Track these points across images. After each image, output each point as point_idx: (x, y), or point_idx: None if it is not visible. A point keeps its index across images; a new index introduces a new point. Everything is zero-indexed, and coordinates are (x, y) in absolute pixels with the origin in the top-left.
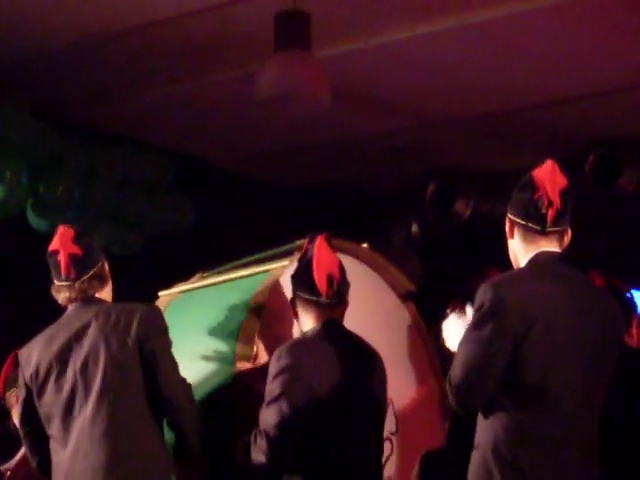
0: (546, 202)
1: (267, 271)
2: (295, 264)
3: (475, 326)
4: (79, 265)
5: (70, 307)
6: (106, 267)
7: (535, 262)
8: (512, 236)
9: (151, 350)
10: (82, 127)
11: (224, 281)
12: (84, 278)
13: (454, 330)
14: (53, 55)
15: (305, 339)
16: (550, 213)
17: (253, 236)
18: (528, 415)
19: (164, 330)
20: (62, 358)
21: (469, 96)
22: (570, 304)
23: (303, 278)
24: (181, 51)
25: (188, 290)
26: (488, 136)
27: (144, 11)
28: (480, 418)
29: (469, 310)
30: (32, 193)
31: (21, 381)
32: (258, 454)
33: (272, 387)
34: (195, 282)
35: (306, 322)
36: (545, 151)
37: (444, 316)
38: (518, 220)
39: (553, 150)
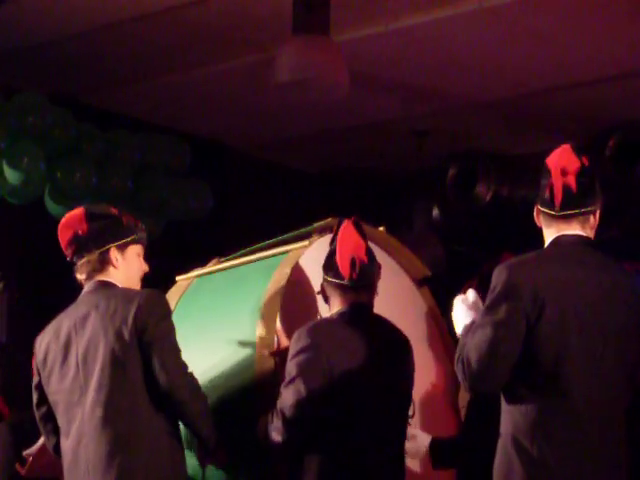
0: (557, 186)
1: (286, 252)
2: (314, 245)
3: (489, 309)
4: (78, 245)
5: (84, 289)
6: (114, 252)
7: (554, 245)
8: (539, 224)
9: (148, 342)
10: (99, 113)
11: (242, 264)
12: (83, 259)
13: (455, 314)
14: (70, 41)
15: (327, 321)
16: (559, 197)
17: (273, 221)
18: (544, 402)
19: (164, 317)
20: (66, 347)
21: (489, 79)
22: (588, 288)
23: (329, 261)
24: (199, 36)
25: (205, 274)
26: (509, 119)
27: None
28: (502, 406)
29: (471, 294)
30: (49, 179)
31: (34, 366)
32: (274, 434)
33: (290, 368)
34: (212, 266)
35: (334, 306)
36: (566, 134)
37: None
38: (539, 207)
39: (574, 133)
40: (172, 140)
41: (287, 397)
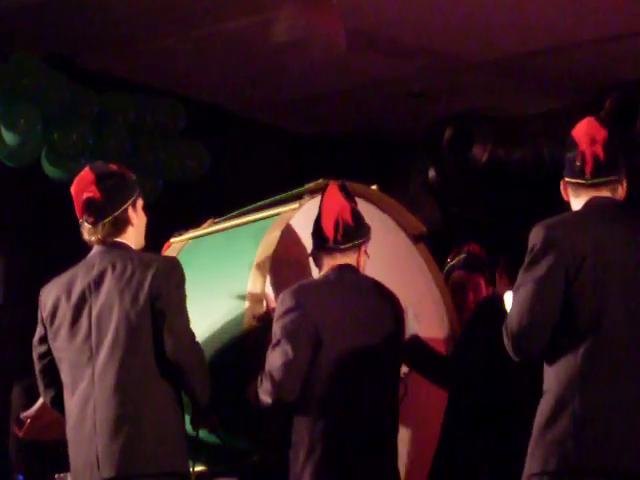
0: (588, 154)
1: (277, 214)
2: (305, 207)
3: (528, 266)
4: (97, 210)
5: (94, 249)
6: (130, 211)
7: (588, 206)
8: (567, 198)
9: (160, 308)
10: (94, 74)
11: (235, 225)
12: (103, 222)
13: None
14: (65, 2)
15: (311, 282)
16: (590, 165)
17: (268, 183)
18: (585, 356)
19: (179, 285)
20: (78, 306)
21: (486, 39)
22: (625, 244)
23: (315, 226)
24: None
25: (199, 236)
26: (506, 80)
27: None
28: (545, 364)
29: None
30: (46, 141)
31: (39, 318)
32: (264, 396)
33: (275, 329)
34: (206, 227)
35: (323, 269)
36: (563, 95)
37: (445, 264)
38: (567, 179)
39: (570, 94)
40: (167, 102)
41: (274, 359)
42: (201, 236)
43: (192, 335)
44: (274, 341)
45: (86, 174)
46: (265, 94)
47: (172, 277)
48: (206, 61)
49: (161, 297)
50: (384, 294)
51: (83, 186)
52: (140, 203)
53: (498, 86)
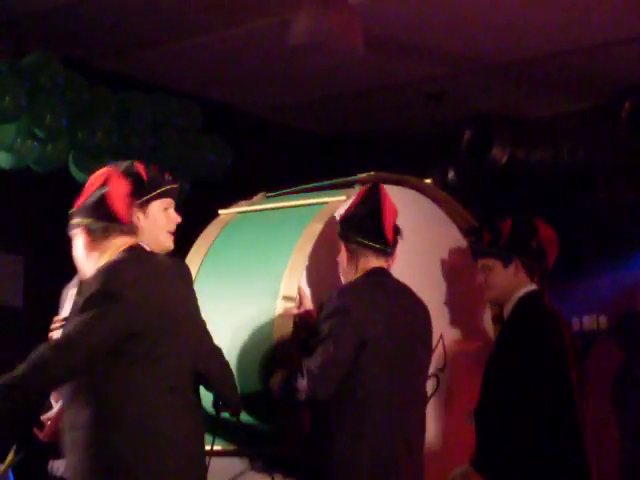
0: None
1: (325, 203)
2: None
3: None
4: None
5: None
6: (135, 212)
7: None
8: None
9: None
10: (111, 76)
11: (283, 207)
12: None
13: None
14: (84, 5)
15: (354, 285)
16: None
17: (288, 184)
18: None
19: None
20: None
21: (505, 41)
22: None
23: (369, 225)
24: None
25: (247, 212)
26: (525, 82)
27: None
28: None
29: None
30: (71, 140)
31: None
32: (299, 392)
33: (322, 328)
34: (256, 202)
35: (357, 269)
36: (582, 97)
37: None
38: None
39: (590, 96)
40: (183, 103)
41: (315, 357)
42: (248, 212)
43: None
44: (316, 339)
45: (99, 173)
46: (283, 96)
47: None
48: (225, 63)
49: None
50: (418, 300)
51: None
52: (158, 204)
53: (517, 88)
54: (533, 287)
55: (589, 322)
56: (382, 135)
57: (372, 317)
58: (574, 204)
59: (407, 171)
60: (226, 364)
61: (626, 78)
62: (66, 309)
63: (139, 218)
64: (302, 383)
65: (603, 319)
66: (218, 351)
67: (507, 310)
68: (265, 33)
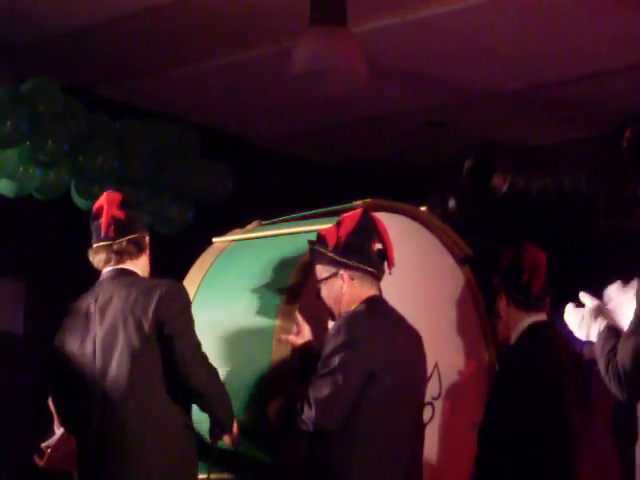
0: None
1: (317, 230)
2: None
3: None
4: (120, 227)
5: (103, 274)
6: (147, 239)
7: None
8: None
9: (168, 336)
10: (111, 103)
11: (277, 235)
12: (122, 240)
13: (573, 320)
14: (83, 33)
15: (360, 315)
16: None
17: (289, 213)
18: None
19: (184, 310)
20: (84, 332)
21: (506, 70)
22: None
23: (370, 251)
24: (214, 27)
25: (241, 239)
26: (525, 110)
27: None
28: None
29: (587, 300)
30: (73, 166)
31: (50, 352)
32: (305, 423)
33: (330, 361)
34: (251, 230)
35: (356, 297)
36: (583, 125)
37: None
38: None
39: (591, 124)
40: (182, 128)
41: (323, 387)
42: (243, 240)
43: (204, 358)
44: (325, 370)
45: (113, 194)
46: (284, 124)
47: (176, 303)
48: (225, 91)
49: (166, 324)
50: (413, 329)
51: (109, 204)
52: (148, 238)
53: (518, 116)
54: (537, 318)
55: (588, 350)
56: (383, 163)
57: (380, 350)
58: (575, 233)
59: (408, 199)
60: (222, 385)
61: (627, 107)
62: None
63: (147, 245)
64: (309, 413)
65: None
66: (214, 371)
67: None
68: (266, 61)
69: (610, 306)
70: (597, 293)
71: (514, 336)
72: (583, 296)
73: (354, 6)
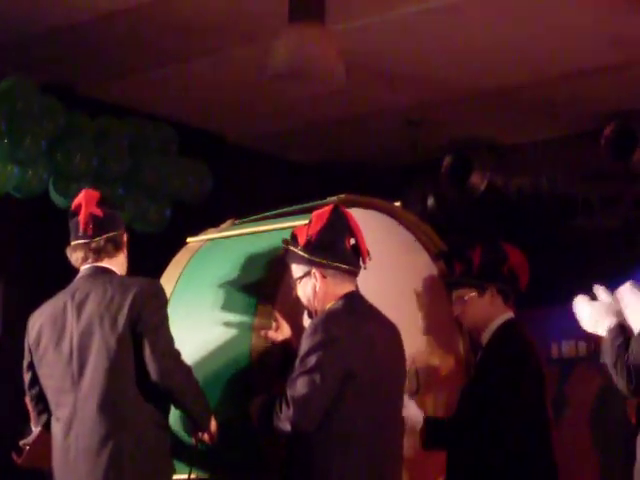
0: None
1: (293, 227)
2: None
3: None
4: (98, 225)
5: (80, 271)
6: (124, 237)
7: None
8: None
9: (141, 332)
10: (90, 102)
11: (252, 232)
12: (100, 238)
13: (585, 313)
14: (63, 32)
15: (337, 313)
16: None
17: (267, 211)
18: None
19: (159, 308)
20: (60, 331)
21: (484, 69)
22: None
23: (343, 248)
24: (193, 27)
25: (216, 239)
26: (504, 109)
27: None
28: None
29: (602, 294)
30: (51, 164)
31: (26, 345)
32: (283, 422)
33: (307, 359)
34: (225, 229)
35: (331, 294)
36: (561, 124)
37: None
38: None
39: (569, 122)
40: (160, 128)
41: (301, 387)
42: (218, 239)
43: (176, 355)
44: (303, 369)
45: (91, 192)
46: (264, 123)
47: (151, 299)
48: (204, 90)
49: (140, 320)
50: (392, 325)
51: (87, 201)
52: (126, 237)
53: (496, 115)
54: (510, 315)
55: (568, 348)
56: (362, 162)
57: (358, 348)
58: (553, 231)
59: (387, 198)
60: (196, 382)
61: (605, 105)
62: None
63: (125, 243)
64: (287, 413)
65: (582, 345)
66: (187, 368)
67: (485, 338)
68: (244, 60)
69: (620, 305)
70: (576, 290)
71: (488, 333)
72: (597, 289)
73: (332, 4)
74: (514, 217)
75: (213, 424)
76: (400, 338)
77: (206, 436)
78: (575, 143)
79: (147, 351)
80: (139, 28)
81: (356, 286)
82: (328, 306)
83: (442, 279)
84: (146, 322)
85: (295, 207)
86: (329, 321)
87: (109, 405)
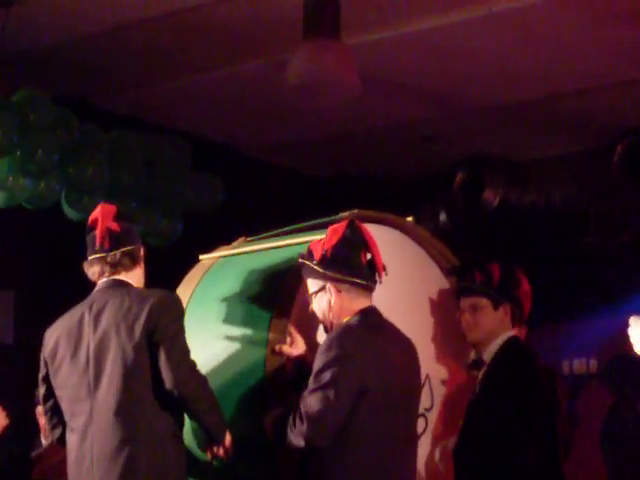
0: None
1: (306, 242)
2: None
3: None
4: (114, 239)
5: (97, 285)
6: (141, 252)
7: None
8: None
9: (157, 342)
10: (103, 114)
11: (265, 249)
12: (116, 252)
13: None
14: (77, 44)
15: (352, 328)
16: None
17: (282, 225)
18: None
19: (176, 318)
20: (77, 342)
21: (498, 84)
22: None
23: (358, 263)
24: (208, 39)
25: (229, 255)
26: (517, 124)
27: None
28: None
29: None
30: (63, 177)
31: (41, 359)
32: (297, 437)
33: (322, 375)
34: (237, 247)
35: (346, 309)
36: (574, 140)
37: None
38: None
39: (582, 139)
40: (174, 140)
41: (315, 403)
42: (230, 256)
43: (191, 365)
44: (317, 385)
45: (108, 206)
46: (279, 136)
47: (169, 311)
48: (219, 103)
49: (157, 330)
50: (408, 340)
51: (104, 216)
52: (143, 251)
53: (510, 130)
54: (513, 333)
55: (579, 365)
56: (374, 176)
57: (373, 364)
58: (566, 247)
59: (399, 212)
60: (211, 394)
61: (618, 122)
62: None
63: (142, 257)
64: (301, 428)
65: (593, 362)
66: (203, 379)
67: (489, 353)
68: (261, 73)
69: None
70: (588, 307)
71: (493, 348)
72: None
73: (348, 19)
74: (527, 233)
75: (228, 438)
76: (416, 354)
77: (221, 450)
78: (588, 159)
79: (162, 359)
80: (154, 40)
81: (371, 301)
82: (344, 321)
83: (458, 285)
84: (162, 331)
85: (306, 223)
86: (344, 337)
87: (125, 412)
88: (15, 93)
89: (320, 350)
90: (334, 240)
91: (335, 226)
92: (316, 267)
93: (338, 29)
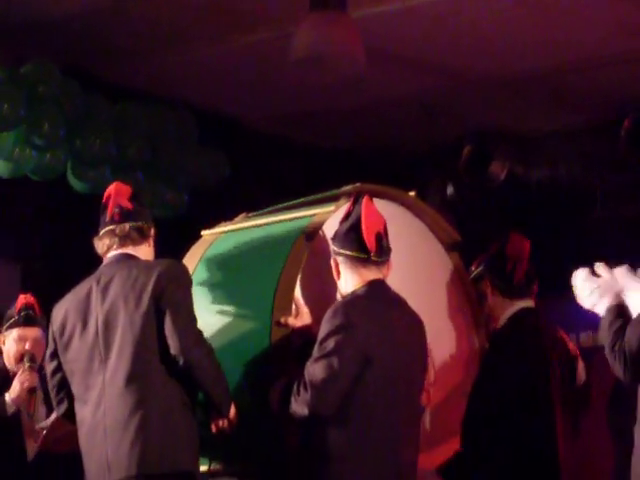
0: None
1: (312, 215)
2: (341, 211)
3: None
4: (125, 214)
5: (105, 259)
6: (152, 231)
7: None
8: None
9: (164, 309)
10: (110, 85)
11: (267, 223)
12: (126, 224)
13: (584, 291)
14: (83, 15)
15: (357, 298)
16: None
17: (287, 197)
18: None
19: (182, 286)
20: (86, 314)
21: (505, 57)
22: None
23: (350, 236)
24: (214, 11)
25: (231, 231)
26: (524, 98)
27: None
28: None
29: (603, 270)
30: (70, 149)
31: (50, 334)
32: (301, 406)
33: (326, 343)
34: (239, 222)
35: (350, 281)
36: (581, 113)
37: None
38: None
39: (588, 112)
40: (180, 113)
41: (319, 371)
42: (233, 231)
43: (198, 333)
44: (321, 353)
45: (123, 186)
46: (283, 108)
47: (176, 278)
48: (224, 74)
49: (164, 297)
50: (414, 313)
51: (119, 193)
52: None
53: (516, 103)
54: (524, 304)
55: (586, 339)
56: (381, 149)
57: (376, 334)
58: (572, 221)
59: (406, 186)
60: (218, 364)
61: (625, 96)
62: None
63: (152, 235)
64: (305, 397)
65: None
66: (210, 348)
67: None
68: (266, 46)
69: (620, 285)
70: None
71: (501, 322)
72: (599, 267)
73: None
74: (533, 207)
75: (233, 411)
76: (423, 327)
77: (226, 423)
78: (595, 133)
79: (168, 325)
80: (159, 11)
81: (381, 273)
82: (350, 291)
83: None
84: (169, 298)
85: (308, 198)
86: (348, 306)
87: (136, 380)
88: (22, 65)
89: (325, 318)
90: (342, 215)
91: (348, 203)
92: (330, 241)
93: (345, 1)
